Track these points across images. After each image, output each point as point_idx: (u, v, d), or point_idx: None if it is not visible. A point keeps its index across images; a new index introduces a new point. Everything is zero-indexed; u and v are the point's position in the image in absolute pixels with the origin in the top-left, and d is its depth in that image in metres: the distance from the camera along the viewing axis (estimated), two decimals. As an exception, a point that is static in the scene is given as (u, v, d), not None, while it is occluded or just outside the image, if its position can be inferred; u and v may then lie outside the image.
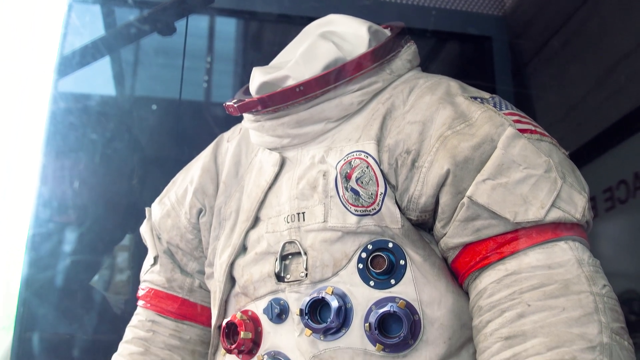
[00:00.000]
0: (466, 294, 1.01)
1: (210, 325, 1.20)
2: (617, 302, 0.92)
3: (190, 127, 2.00)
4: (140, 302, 1.30)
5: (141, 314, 1.28)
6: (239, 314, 1.07)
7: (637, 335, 1.51)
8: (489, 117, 0.99)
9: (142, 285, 1.31)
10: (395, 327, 0.97)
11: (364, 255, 1.01)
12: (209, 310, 1.23)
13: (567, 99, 1.92)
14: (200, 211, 1.22)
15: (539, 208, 0.93)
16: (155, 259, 1.28)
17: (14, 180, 1.89)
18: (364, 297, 1.00)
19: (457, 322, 0.99)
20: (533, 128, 1.00)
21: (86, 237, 1.86)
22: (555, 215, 0.93)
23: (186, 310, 1.27)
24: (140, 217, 1.33)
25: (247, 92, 1.19)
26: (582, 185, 0.98)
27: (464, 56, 2.34)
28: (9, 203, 1.89)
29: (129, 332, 1.28)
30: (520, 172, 0.94)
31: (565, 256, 0.92)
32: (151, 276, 1.28)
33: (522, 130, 0.98)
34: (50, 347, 1.80)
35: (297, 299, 1.03)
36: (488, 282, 0.94)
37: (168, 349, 1.25)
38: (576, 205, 0.94)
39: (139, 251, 1.39)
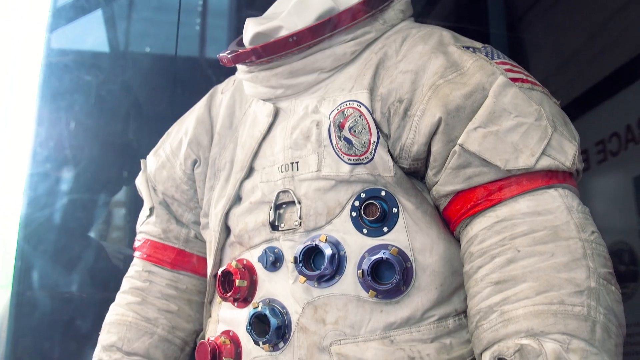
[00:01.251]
0: (457, 241, 1.02)
1: (206, 275, 1.22)
2: (605, 248, 0.94)
3: (185, 81, 2.00)
4: (136, 253, 1.31)
5: (138, 265, 1.30)
6: (234, 263, 1.09)
7: (627, 285, 1.54)
8: (481, 66, 1.00)
9: (138, 237, 1.33)
10: (388, 274, 0.99)
11: (357, 203, 1.02)
12: (204, 260, 1.25)
13: (560, 52, 1.92)
14: (195, 162, 1.23)
15: (530, 156, 0.94)
16: (151, 210, 1.29)
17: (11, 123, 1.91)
18: (357, 244, 1.01)
19: (449, 269, 1.01)
20: (525, 77, 1.01)
21: (82, 177, 1.87)
22: (545, 163, 0.94)
23: (182, 260, 1.29)
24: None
25: (240, 43, 1.19)
26: (573, 134, 0.99)
27: (459, 10, 2.33)
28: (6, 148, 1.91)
29: (126, 282, 1.30)
30: (511, 120, 0.95)
31: (555, 203, 0.94)
32: (147, 227, 1.30)
33: (513, 79, 0.99)
34: (48, 303, 1.82)
35: (291, 247, 1.04)
36: (479, 228, 0.96)
37: (165, 299, 1.26)
38: (566, 154, 0.95)
39: (136, 206, 1.40)
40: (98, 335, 1.27)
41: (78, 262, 1.84)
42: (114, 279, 1.35)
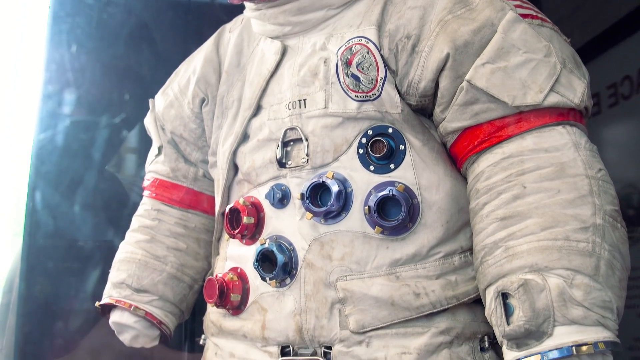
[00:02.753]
0: (464, 178, 1.02)
1: (214, 214, 1.23)
2: (612, 186, 0.94)
3: (194, 23, 1.98)
4: (145, 192, 1.33)
5: (147, 204, 1.31)
6: (241, 200, 1.10)
7: (636, 229, 1.54)
8: (490, 1, 0.99)
9: (147, 176, 1.34)
10: (394, 211, 0.99)
11: (364, 140, 1.02)
12: (213, 199, 1.25)
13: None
14: (203, 100, 1.23)
15: (538, 92, 0.93)
16: (160, 149, 1.30)
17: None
18: (363, 181, 1.01)
19: (455, 206, 1.01)
20: (534, 13, 0.99)
21: (84, 99, 1.88)
22: (553, 99, 0.94)
23: (190, 198, 1.30)
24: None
25: None
26: (582, 72, 0.98)
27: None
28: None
29: (135, 221, 1.31)
30: (519, 56, 0.94)
31: (563, 140, 0.93)
32: (156, 166, 1.31)
33: (523, 15, 0.97)
34: (61, 250, 1.84)
35: (298, 184, 1.05)
36: (485, 165, 0.96)
37: (173, 237, 1.28)
38: (575, 91, 0.95)
39: (146, 147, 1.41)
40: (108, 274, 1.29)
41: (93, 206, 1.85)
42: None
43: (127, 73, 1.88)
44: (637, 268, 1.49)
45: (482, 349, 1.00)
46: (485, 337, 1.01)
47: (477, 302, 0.99)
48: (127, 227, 1.32)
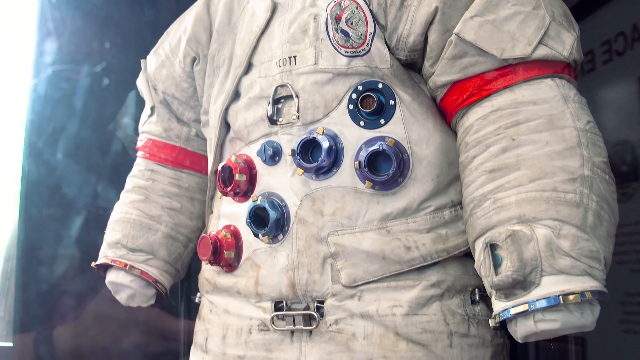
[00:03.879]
0: (454, 132, 1.03)
1: (207, 173, 1.24)
2: (600, 138, 0.94)
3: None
4: (139, 153, 1.33)
5: (140, 164, 1.32)
6: (233, 158, 1.10)
7: (629, 185, 1.54)
8: None
9: (140, 137, 1.34)
10: (385, 166, 1.00)
11: (354, 96, 1.02)
12: (206, 158, 1.26)
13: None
14: (194, 60, 1.23)
15: (526, 45, 0.93)
16: (152, 109, 1.30)
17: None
18: (354, 137, 1.02)
19: (445, 160, 1.01)
20: None
21: (65, 48, 1.87)
22: (542, 52, 0.93)
23: (184, 158, 1.31)
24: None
25: None
26: (572, 24, 0.98)
27: None
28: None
29: (129, 181, 1.32)
30: (508, 8, 0.94)
31: (551, 92, 0.93)
32: (149, 127, 1.31)
33: None
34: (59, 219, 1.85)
35: (289, 140, 1.05)
36: (474, 118, 0.96)
37: (167, 196, 1.29)
38: (564, 43, 0.95)
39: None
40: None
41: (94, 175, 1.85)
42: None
43: (107, 22, 1.86)
44: (629, 224, 1.50)
45: (473, 302, 1.02)
46: (476, 290, 1.02)
47: (468, 256, 1.00)
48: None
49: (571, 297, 0.84)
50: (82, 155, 1.84)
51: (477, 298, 1.02)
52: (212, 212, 1.21)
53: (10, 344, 1.75)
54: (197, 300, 1.22)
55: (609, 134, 1.54)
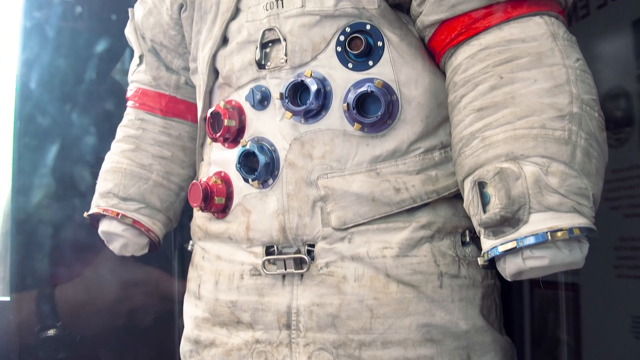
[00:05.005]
0: (443, 73, 1.02)
1: (197, 122, 1.23)
2: (589, 75, 0.93)
3: None
4: (129, 103, 1.33)
5: (130, 114, 1.31)
6: (222, 104, 1.09)
7: (623, 130, 1.54)
8: None
9: (130, 86, 1.34)
10: (374, 108, 0.99)
11: (342, 38, 1.01)
12: (196, 106, 1.25)
13: None
14: (181, 6, 1.22)
15: None
16: (141, 58, 1.29)
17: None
18: (342, 79, 1.01)
19: (434, 101, 1.01)
20: None
21: None
22: None
23: (174, 107, 1.30)
24: None
25: None
26: None
27: None
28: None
29: (120, 131, 1.32)
30: None
31: (540, 30, 0.92)
32: (138, 76, 1.30)
33: None
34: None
35: (277, 84, 1.04)
36: (463, 57, 0.95)
37: (158, 145, 1.28)
38: None
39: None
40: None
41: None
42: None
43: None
44: (623, 169, 1.50)
45: (464, 243, 1.02)
46: (467, 231, 1.02)
47: (458, 197, 1.00)
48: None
49: (559, 233, 0.84)
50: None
51: (468, 240, 1.02)
52: (202, 160, 1.21)
53: (7, 298, 1.75)
54: (189, 248, 1.23)
55: (604, 79, 1.53)
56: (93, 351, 1.77)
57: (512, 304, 1.84)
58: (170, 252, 1.71)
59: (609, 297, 1.54)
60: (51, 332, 1.72)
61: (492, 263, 0.93)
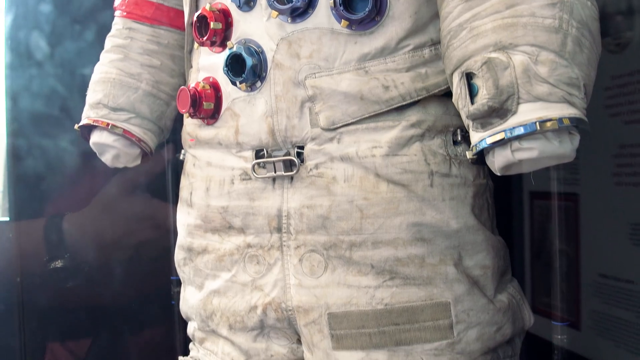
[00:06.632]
0: None
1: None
2: None
3: None
4: (116, 12, 1.30)
5: (118, 23, 1.29)
6: (208, 6, 1.07)
7: (622, 35, 1.50)
8: None
9: (118, -7, 1.31)
10: (361, 4, 0.96)
11: None
12: (183, 14, 1.23)
13: None
14: None
15: None
16: None
17: None
18: None
19: None
20: None
21: None
22: None
23: (162, 14, 1.27)
24: None
25: None
26: None
27: None
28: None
29: (108, 41, 1.29)
30: None
31: None
32: None
33: None
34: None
35: None
36: None
37: (147, 54, 1.26)
38: None
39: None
40: None
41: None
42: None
43: None
44: (623, 75, 1.47)
45: (455, 142, 1.01)
46: (458, 130, 1.00)
47: (449, 96, 0.98)
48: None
49: (548, 123, 0.83)
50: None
51: (459, 138, 1.00)
52: (191, 67, 1.19)
53: (6, 219, 1.76)
54: (181, 157, 1.22)
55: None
56: (100, 280, 1.79)
57: (513, 216, 1.84)
58: (164, 165, 1.71)
59: (608, 206, 1.53)
60: (59, 263, 1.74)
61: (482, 158, 0.91)
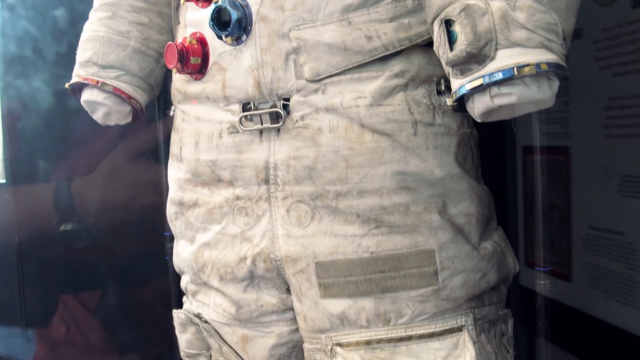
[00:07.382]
0: None
1: (176, -11, 1.21)
2: None
3: None
4: (104, -30, 1.30)
5: (106, -19, 1.29)
6: (193, -39, 1.07)
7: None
8: None
9: (105, -47, 1.31)
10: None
11: None
12: (171, -30, 1.23)
13: None
14: None
15: None
16: None
17: None
18: None
19: None
20: None
21: None
22: None
23: (148, -29, 1.28)
24: None
25: None
26: None
27: None
28: None
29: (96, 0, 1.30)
30: None
31: None
32: None
33: None
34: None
35: None
36: None
37: (135, 11, 1.26)
38: None
39: None
40: None
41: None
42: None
43: None
44: (613, 27, 1.47)
45: (439, 92, 1.01)
46: (442, 80, 1.01)
47: (432, 46, 0.99)
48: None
49: (526, 69, 0.84)
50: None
51: (443, 88, 1.01)
52: (179, 23, 1.19)
53: (3, 180, 1.78)
54: (171, 113, 1.23)
55: None
56: (108, 242, 1.82)
57: (506, 172, 1.85)
58: (155, 121, 1.73)
59: (599, 158, 1.54)
60: (69, 225, 1.76)
61: (462, 105, 0.93)
